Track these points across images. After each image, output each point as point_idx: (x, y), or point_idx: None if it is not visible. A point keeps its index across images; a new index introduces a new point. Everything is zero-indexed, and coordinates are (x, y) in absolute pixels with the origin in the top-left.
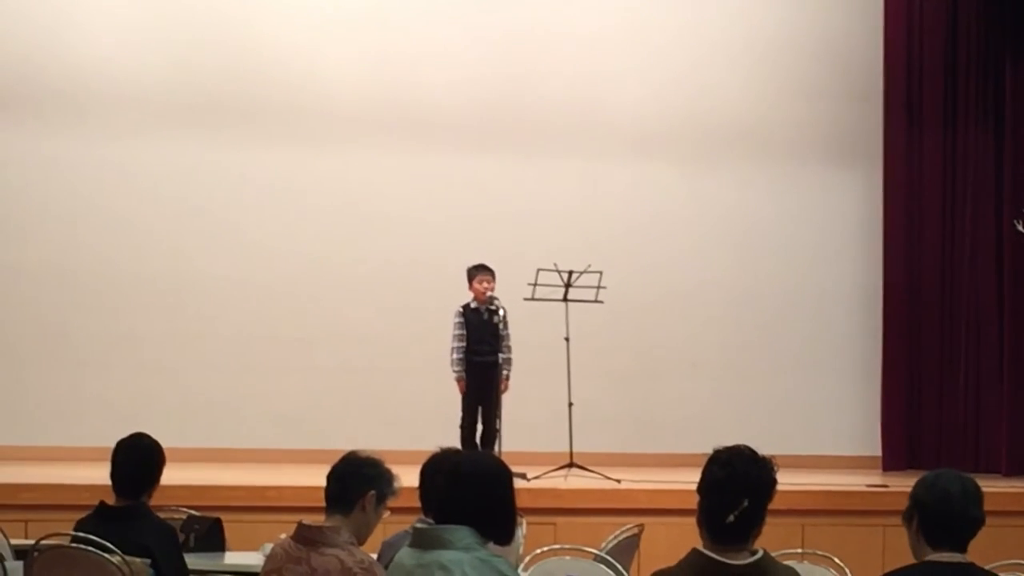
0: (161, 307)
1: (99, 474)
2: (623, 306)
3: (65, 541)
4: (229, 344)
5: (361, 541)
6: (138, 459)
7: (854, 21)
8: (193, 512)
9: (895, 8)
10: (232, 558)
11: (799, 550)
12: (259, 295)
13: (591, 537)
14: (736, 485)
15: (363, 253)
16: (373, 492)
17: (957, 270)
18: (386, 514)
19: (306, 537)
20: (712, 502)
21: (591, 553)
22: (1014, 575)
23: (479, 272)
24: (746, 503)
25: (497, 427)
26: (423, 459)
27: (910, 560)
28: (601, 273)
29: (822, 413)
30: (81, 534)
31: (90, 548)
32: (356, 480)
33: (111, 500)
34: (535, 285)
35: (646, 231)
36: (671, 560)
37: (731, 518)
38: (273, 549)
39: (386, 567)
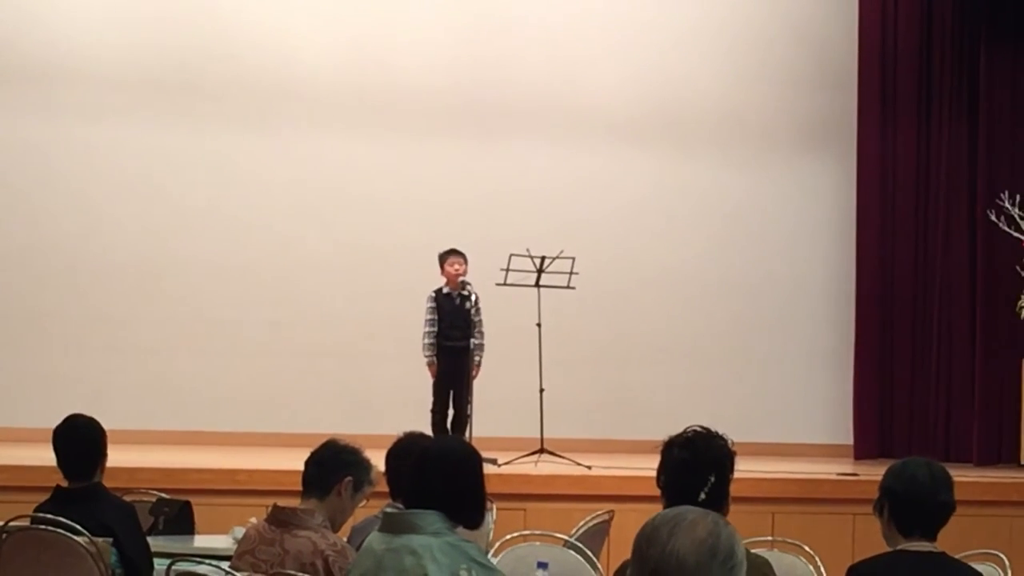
0: (132, 289)
1: None
2: (595, 292)
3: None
4: (200, 327)
5: (336, 527)
6: (79, 441)
7: (829, 8)
8: (163, 495)
9: None
10: (201, 541)
11: (769, 538)
12: (231, 278)
13: (561, 523)
14: (701, 462)
15: (336, 237)
16: (350, 478)
17: (930, 258)
18: (362, 503)
19: (280, 519)
20: (680, 484)
21: (561, 539)
22: (984, 564)
23: (450, 256)
24: (713, 478)
25: (468, 412)
26: None
27: (881, 548)
28: (574, 259)
29: (794, 401)
30: (48, 515)
31: (59, 529)
32: (334, 465)
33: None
34: (507, 270)
35: (619, 217)
36: None
37: (703, 495)
38: (247, 531)
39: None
